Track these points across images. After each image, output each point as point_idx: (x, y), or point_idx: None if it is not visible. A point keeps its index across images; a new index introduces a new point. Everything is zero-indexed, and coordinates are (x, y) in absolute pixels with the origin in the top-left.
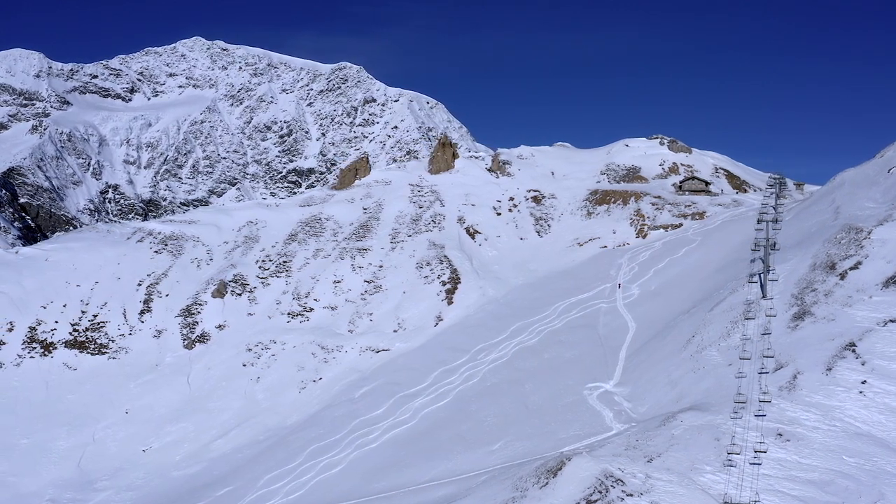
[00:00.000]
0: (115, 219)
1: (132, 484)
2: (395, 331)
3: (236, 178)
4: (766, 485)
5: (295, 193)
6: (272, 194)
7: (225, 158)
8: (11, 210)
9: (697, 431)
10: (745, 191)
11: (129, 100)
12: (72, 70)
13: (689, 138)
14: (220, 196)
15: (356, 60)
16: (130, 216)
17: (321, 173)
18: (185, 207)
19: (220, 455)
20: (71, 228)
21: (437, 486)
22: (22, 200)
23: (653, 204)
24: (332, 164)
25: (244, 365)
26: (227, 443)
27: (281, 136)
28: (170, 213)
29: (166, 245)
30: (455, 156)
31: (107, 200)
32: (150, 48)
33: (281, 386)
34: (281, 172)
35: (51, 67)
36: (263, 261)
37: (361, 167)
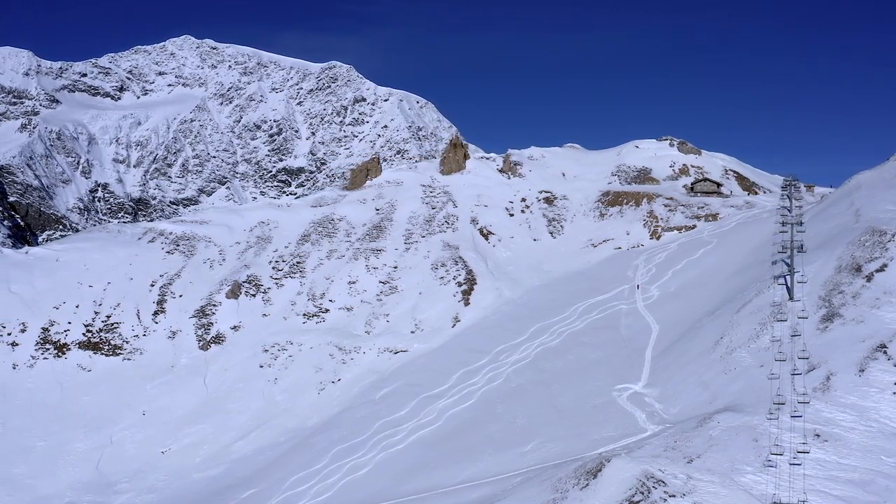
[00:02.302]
0: (105, 218)
1: (153, 486)
2: (412, 332)
3: (226, 177)
4: (808, 485)
5: (285, 193)
6: (262, 193)
7: (214, 157)
8: (0, 209)
9: (735, 432)
10: (756, 192)
11: (119, 98)
12: (61, 68)
13: (694, 139)
14: (210, 195)
15: (346, 59)
16: (120, 215)
17: (311, 172)
18: (174, 206)
19: (241, 457)
20: (60, 227)
21: (471, 487)
22: (11, 199)
23: (665, 205)
24: (322, 164)
25: (261, 366)
26: (248, 444)
27: (271, 136)
28: (159, 211)
29: (178, 245)
30: (466, 156)
31: (96, 199)
32: (139, 46)
33: (299, 387)
34: (271, 171)
35: (40, 65)
36: (277, 261)
37: (373, 168)
